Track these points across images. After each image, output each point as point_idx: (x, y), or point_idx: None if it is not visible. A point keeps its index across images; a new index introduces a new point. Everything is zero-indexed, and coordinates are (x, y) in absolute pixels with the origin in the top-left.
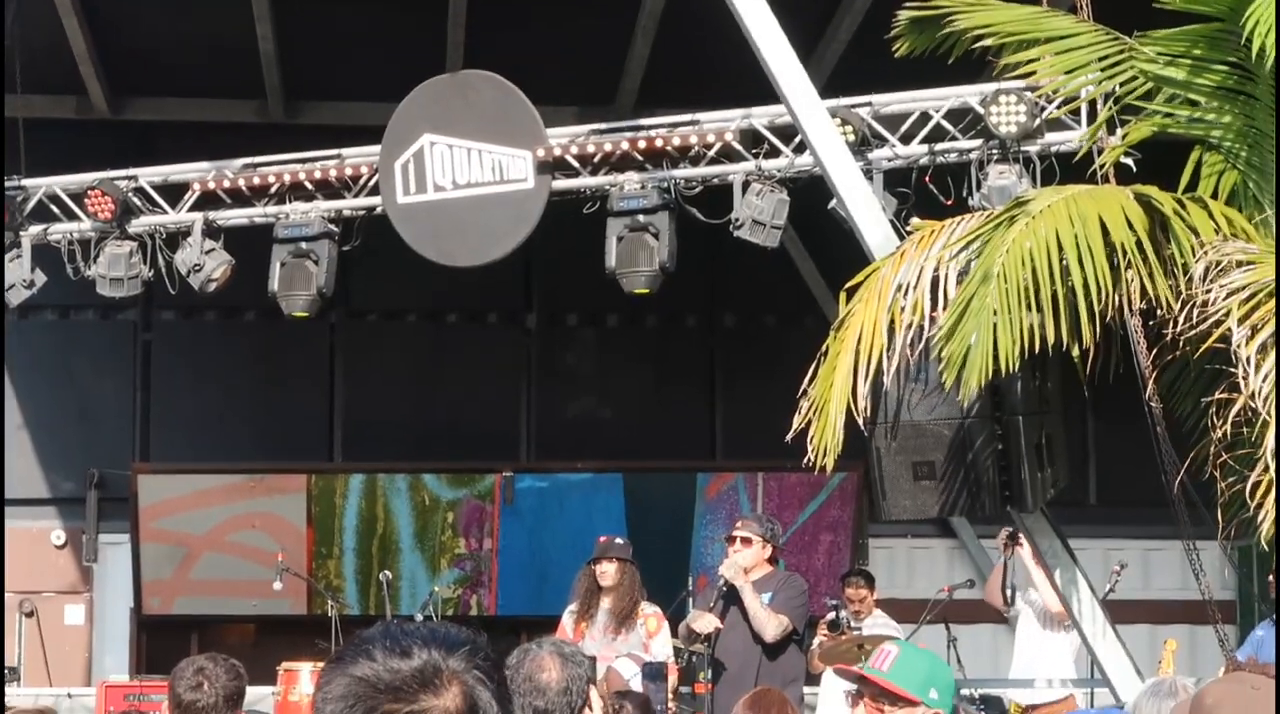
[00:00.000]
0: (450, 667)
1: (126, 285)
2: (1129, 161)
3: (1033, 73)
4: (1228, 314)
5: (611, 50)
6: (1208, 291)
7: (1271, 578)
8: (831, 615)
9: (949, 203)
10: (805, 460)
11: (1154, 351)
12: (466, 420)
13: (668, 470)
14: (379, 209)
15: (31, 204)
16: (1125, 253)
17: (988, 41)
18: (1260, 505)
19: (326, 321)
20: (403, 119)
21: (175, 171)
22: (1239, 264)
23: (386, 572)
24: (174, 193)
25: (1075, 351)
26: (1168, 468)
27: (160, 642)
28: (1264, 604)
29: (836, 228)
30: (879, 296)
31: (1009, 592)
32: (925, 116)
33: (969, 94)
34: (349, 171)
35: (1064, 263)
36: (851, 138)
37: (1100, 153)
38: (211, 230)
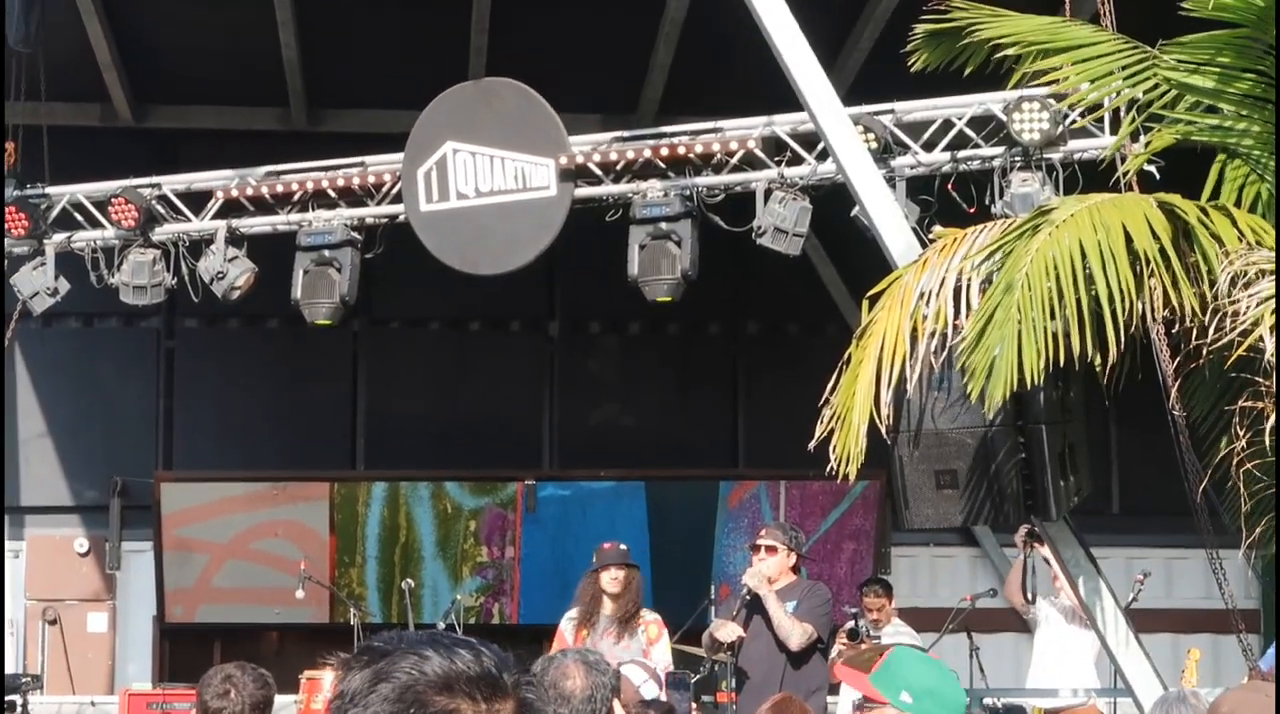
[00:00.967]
0: (507, 676)
1: (150, 293)
2: (1152, 169)
3: (1055, 81)
4: (1256, 323)
5: (634, 58)
6: (1235, 301)
7: None
8: (850, 624)
9: (972, 210)
10: (828, 469)
11: (1177, 360)
12: (489, 428)
13: (690, 479)
14: (402, 217)
15: (55, 212)
16: (1149, 261)
17: (1009, 52)
18: None
19: (349, 329)
20: (426, 127)
21: (198, 179)
22: (1264, 273)
23: (409, 580)
24: (197, 200)
25: (1099, 361)
26: (1190, 476)
27: (183, 650)
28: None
29: (859, 235)
30: (901, 304)
31: (1029, 591)
32: (948, 124)
33: (992, 101)
34: (372, 179)
35: (1088, 271)
36: (874, 145)
37: (1124, 161)
38: (235, 238)
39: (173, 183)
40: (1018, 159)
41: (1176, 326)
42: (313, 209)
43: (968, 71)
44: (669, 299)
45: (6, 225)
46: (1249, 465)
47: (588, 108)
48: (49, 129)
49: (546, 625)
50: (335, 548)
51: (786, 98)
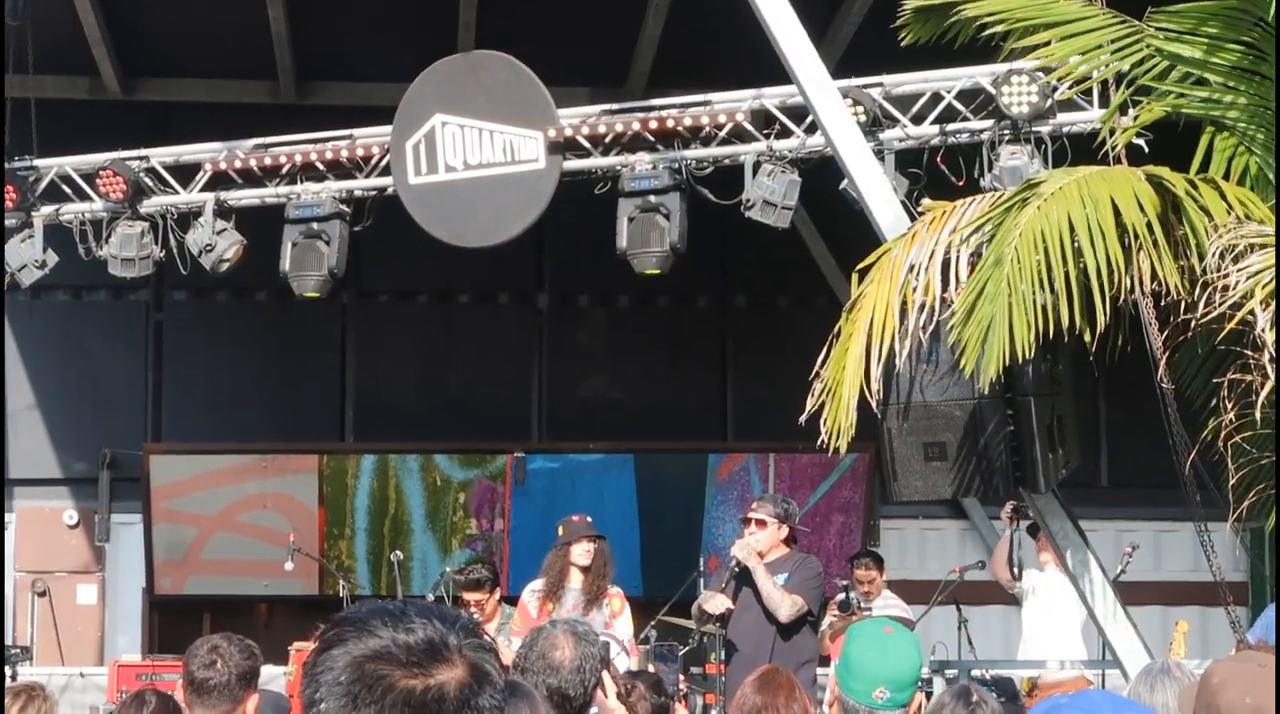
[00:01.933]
0: (454, 641)
1: (138, 265)
2: (1141, 143)
3: (1044, 54)
4: (1247, 297)
5: (623, 31)
6: (1225, 275)
7: None
8: (841, 596)
9: (960, 183)
10: (818, 441)
11: (1165, 333)
12: (478, 401)
13: (679, 451)
14: (390, 189)
15: (44, 184)
16: (1137, 235)
17: (997, 29)
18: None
19: (338, 302)
20: (414, 99)
21: (187, 152)
22: (1254, 246)
23: (398, 552)
24: (186, 173)
25: (1088, 335)
26: (1179, 449)
27: (172, 621)
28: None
29: (848, 208)
30: (890, 277)
31: (1015, 565)
32: (937, 97)
33: (981, 75)
34: (360, 152)
35: (1076, 245)
36: (863, 118)
37: (1112, 134)
38: (223, 211)
39: (161, 155)
40: (1006, 132)
41: (1165, 300)
42: (301, 182)
43: (956, 46)
44: (658, 271)
45: None
46: (1237, 438)
47: (577, 80)
48: (37, 102)
49: None
50: (324, 520)
51: (775, 71)
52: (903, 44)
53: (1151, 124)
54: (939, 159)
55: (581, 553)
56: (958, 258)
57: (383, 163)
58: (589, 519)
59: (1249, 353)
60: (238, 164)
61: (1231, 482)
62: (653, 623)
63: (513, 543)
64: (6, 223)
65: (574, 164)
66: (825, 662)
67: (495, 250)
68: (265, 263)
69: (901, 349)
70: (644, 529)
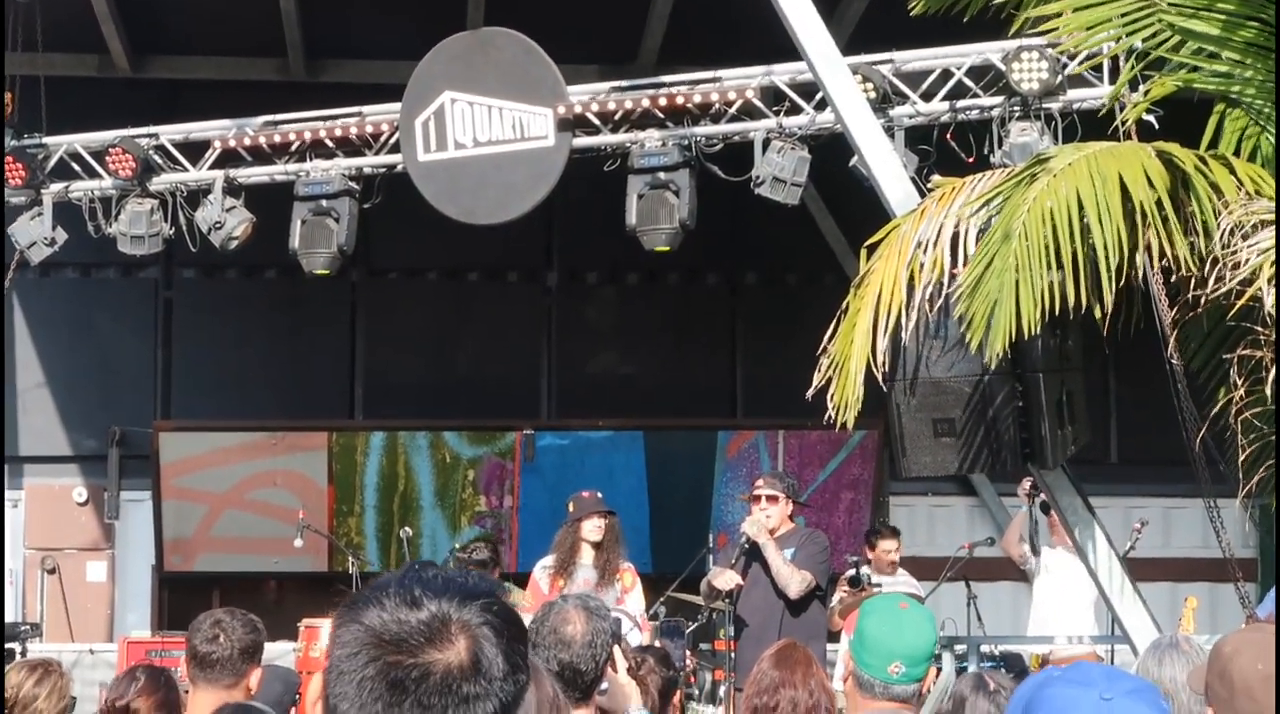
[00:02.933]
0: (460, 618)
1: (147, 243)
2: (1151, 119)
3: (1054, 29)
4: (1256, 273)
5: (633, 7)
6: (1235, 251)
7: None
8: (852, 572)
9: (970, 160)
10: (826, 418)
11: (1175, 309)
12: (487, 378)
13: (688, 428)
14: (400, 167)
15: (53, 162)
16: (1145, 214)
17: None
18: None
19: (347, 280)
20: (423, 76)
21: (196, 129)
22: (1264, 223)
23: (407, 528)
24: (195, 150)
25: (1097, 312)
26: (1189, 425)
27: (182, 598)
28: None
29: (857, 185)
30: (899, 253)
31: (1033, 542)
32: (947, 73)
33: (991, 51)
34: (370, 129)
35: (1085, 221)
36: (873, 95)
37: (1122, 110)
38: (232, 188)
39: (170, 133)
40: (1016, 109)
41: (1175, 276)
42: (310, 159)
43: (966, 18)
44: (667, 248)
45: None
46: (1247, 414)
47: (586, 57)
48: (46, 79)
49: None
50: (333, 497)
51: (785, 47)
52: (912, 13)
53: (1162, 100)
54: (949, 135)
55: (592, 529)
56: (966, 233)
57: (392, 140)
58: (600, 495)
59: (1259, 329)
60: (247, 141)
61: (1241, 458)
62: (661, 599)
63: (522, 520)
64: (15, 201)
65: (583, 141)
66: (833, 637)
67: (504, 228)
68: (274, 240)
69: (909, 325)
70: (653, 506)
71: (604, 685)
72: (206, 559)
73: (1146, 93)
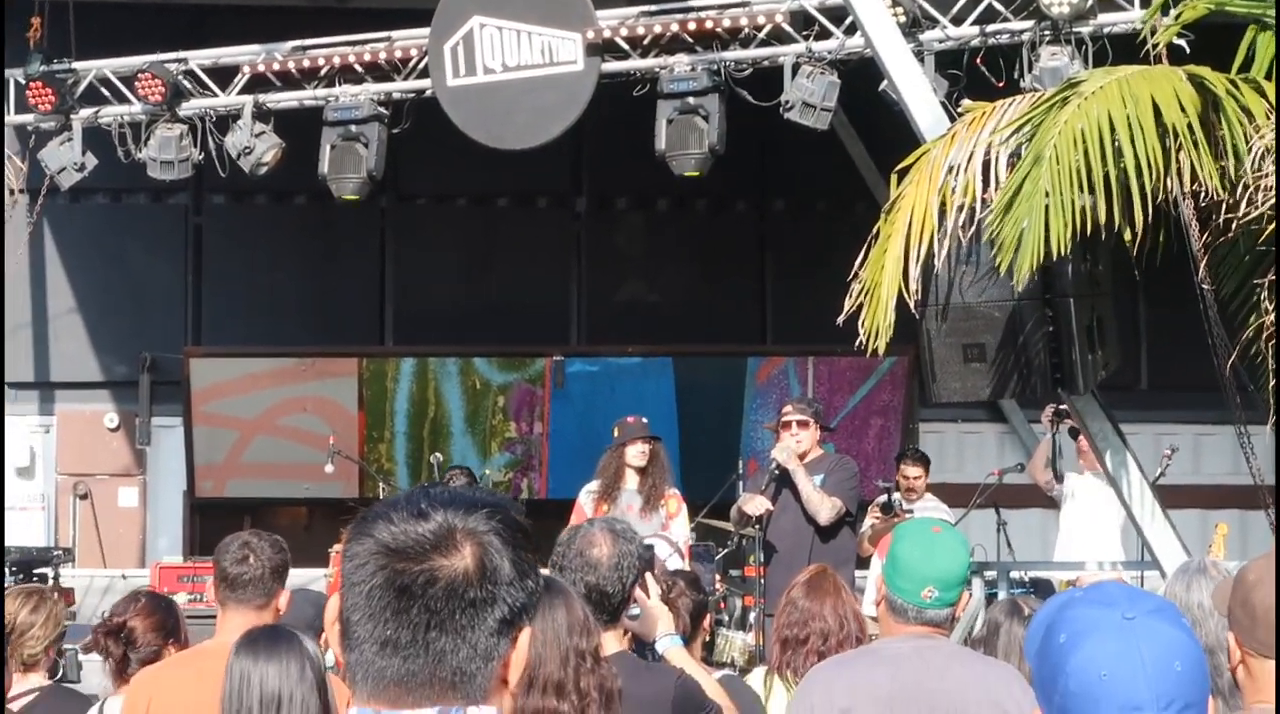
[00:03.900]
0: (465, 527)
1: (177, 168)
2: (1182, 43)
3: None
4: None
5: None
6: (1265, 175)
7: None
8: (884, 498)
9: (1000, 85)
10: (856, 344)
11: (1206, 234)
12: (516, 304)
13: (718, 355)
14: (429, 92)
15: (82, 87)
16: (1177, 134)
17: None
18: None
19: (377, 206)
20: (452, 1)
21: (225, 54)
22: None
23: (438, 454)
24: (224, 76)
25: (1127, 234)
26: (1219, 352)
27: (213, 524)
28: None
29: (887, 111)
30: (930, 179)
31: (1056, 469)
32: None
33: None
34: (399, 54)
35: (1116, 144)
36: (902, 19)
37: (1153, 34)
38: (261, 113)
39: (199, 58)
40: (1047, 33)
41: (1205, 200)
42: (339, 84)
43: None
44: (696, 173)
45: (32, 100)
46: (1277, 339)
47: None
48: (75, 5)
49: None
50: (364, 424)
51: None
52: None
53: (1193, 24)
54: (979, 60)
55: (636, 454)
56: (997, 158)
57: (421, 65)
58: (644, 420)
59: None
60: (276, 67)
61: (1272, 384)
62: (691, 525)
63: (551, 446)
64: (45, 126)
65: (612, 66)
66: (863, 563)
67: (533, 153)
68: (304, 166)
69: (940, 250)
70: (683, 432)
71: (635, 610)
72: (237, 485)
73: (1178, 16)
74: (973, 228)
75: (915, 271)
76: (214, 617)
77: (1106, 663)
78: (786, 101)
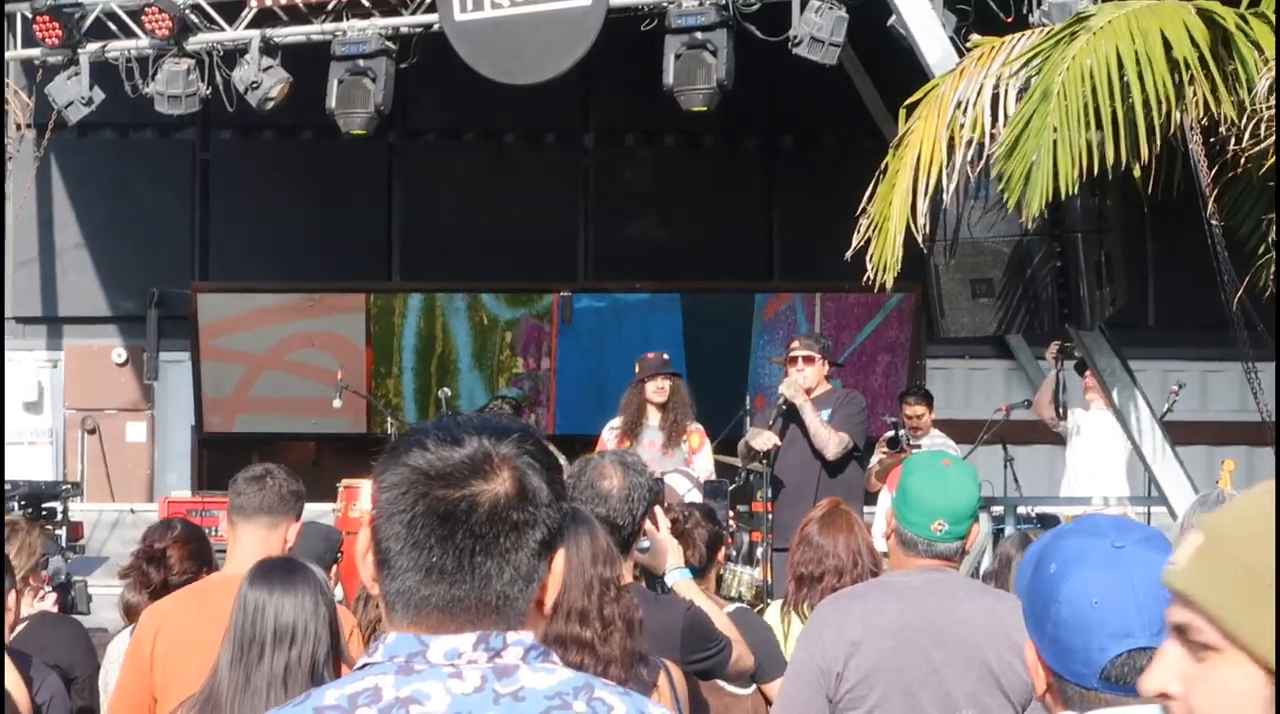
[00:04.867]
0: (500, 452)
1: (184, 103)
2: None
3: None
4: None
5: None
6: (1274, 107)
7: None
8: (891, 434)
9: (1009, 20)
10: (864, 279)
11: (1215, 170)
12: (524, 240)
13: (726, 291)
14: (436, 26)
15: (89, 21)
16: (1187, 68)
17: None
18: None
19: (384, 141)
20: None
21: None
22: None
23: (445, 389)
24: (231, 10)
25: (1136, 170)
26: (1227, 288)
27: (221, 459)
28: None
29: (895, 45)
30: (938, 114)
31: (1060, 405)
32: None
33: None
34: None
35: (1124, 80)
36: None
37: None
38: (269, 48)
39: None
40: None
41: (1214, 135)
42: (347, 18)
43: None
44: (704, 108)
45: (39, 34)
46: None
47: None
48: None
49: (582, 436)
50: (372, 359)
51: None
52: None
53: None
54: None
55: (656, 390)
56: (1006, 93)
57: None
58: (666, 356)
59: None
60: (283, 1)
61: None
62: None
63: (559, 381)
64: (53, 60)
65: (620, 0)
66: (870, 498)
67: (541, 88)
68: (311, 101)
69: (949, 186)
70: (690, 368)
71: (645, 544)
72: (245, 420)
73: None
74: (981, 163)
75: (923, 207)
76: (224, 551)
77: (1097, 591)
78: (795, 36)
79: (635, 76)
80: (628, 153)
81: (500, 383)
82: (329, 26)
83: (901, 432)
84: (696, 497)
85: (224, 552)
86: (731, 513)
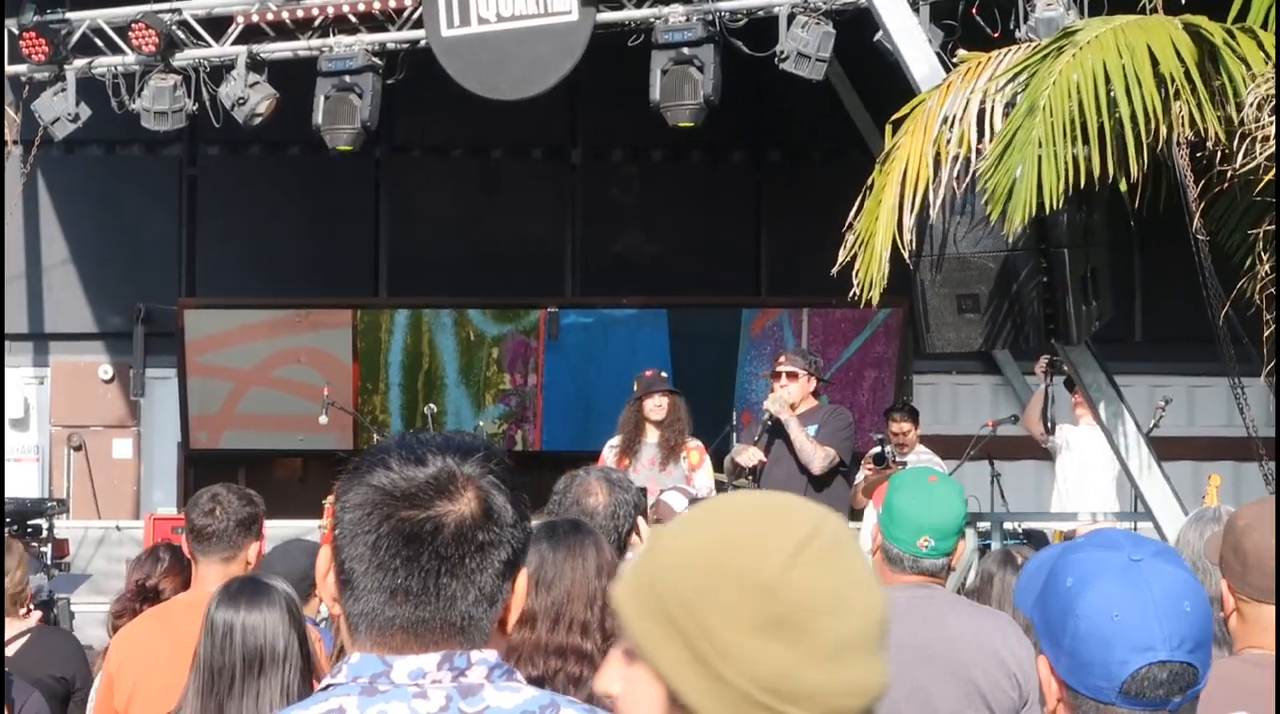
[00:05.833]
0: (465, 472)
1: (171, 119)
2: None
3: None
4: None
5: None
6: (1263, 125)
7: None
8: (877, 450)
9: (996, 35)
10: (851, 294)
11: (1201, 184)
12: (511, 256)
13: (713, 306)
14: (423, 42)
15: (76, 37)
16: (1174, 83)
17: None
18: None
19: (371, 157)
20: None
21: (219, 4)
22: None
23: (431, 405)
24: (217, 26)
25: (1123, 185)
26: (1214, 303)
27: (208, 475)
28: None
29: (882, 61)
30: (925, 129)
31: (1049, 420)
32: None
33: None
34: (393, 4)
35: (1111, 94)
36: None
37: None
38: (255, 63)
39: (192, 8)
40: None
41: (1201, 151)
42: (333, 34)
43: None
44: (691, 124)
45: (26, 50)
46: (1273, 290)
47: None
48: None
49: (569, 452)
50: (358, 375)
51: None
52: None
53: None
54: (974, 10)
55: (654, 407)
56: (992, 109)
57: (415, 15)
58: (664, 373)
59: None
60: (270, 16)
61: (1266, 335)
62: None
63: (546, 398)
64: (39, 76)
65: (607, 16)
66: (855, 515)
67: (528, 104)
68: (298, 117)
69: (935, 201)
70: (677, 384)
71: (629, 556)
72: (232, 436)
73: None
74: (967, 178)
75: (910, 222)
76: None
77: (1118, 604)
78: (781, 52)
79: (622, 92)
80: (615, 168)
81: (487, 399)
82: (315, 42)
83: (888, 448)
84: None
85: None
86: None
